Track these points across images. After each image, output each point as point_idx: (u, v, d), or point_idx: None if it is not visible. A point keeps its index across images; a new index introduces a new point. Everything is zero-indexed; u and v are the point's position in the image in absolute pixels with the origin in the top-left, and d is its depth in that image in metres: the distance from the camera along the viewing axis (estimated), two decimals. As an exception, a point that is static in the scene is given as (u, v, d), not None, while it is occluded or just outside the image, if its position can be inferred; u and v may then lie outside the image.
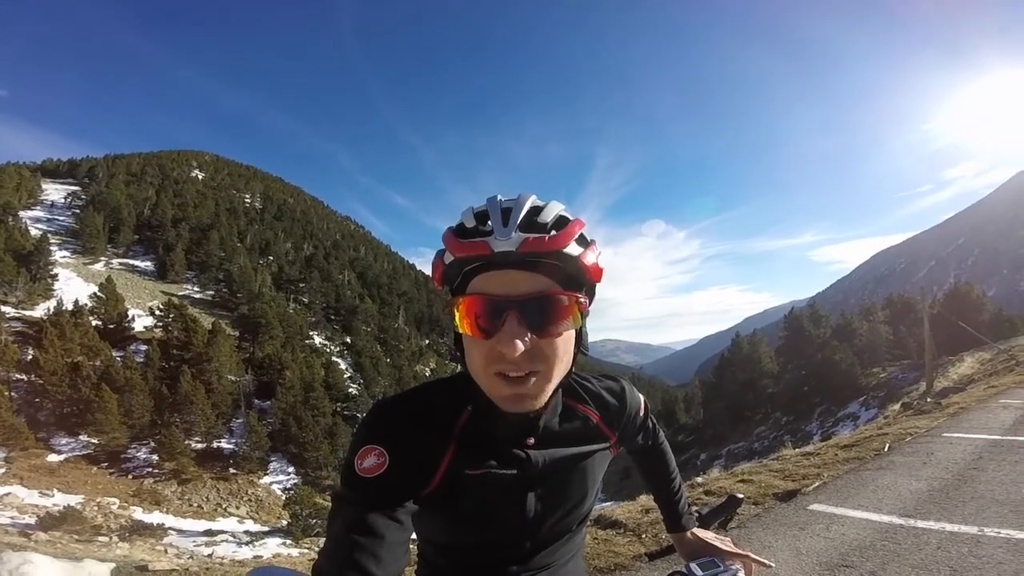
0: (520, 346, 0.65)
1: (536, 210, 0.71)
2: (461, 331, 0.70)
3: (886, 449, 6.20)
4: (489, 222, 0.69)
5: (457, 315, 0.69)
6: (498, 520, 0.80)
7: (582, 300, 0.71)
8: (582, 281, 0.73)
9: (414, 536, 0.78)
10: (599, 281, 0.75)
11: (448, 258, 0.70)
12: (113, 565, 7.52)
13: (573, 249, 0.70)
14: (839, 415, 31.08)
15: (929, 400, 12.47)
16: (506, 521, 0.81)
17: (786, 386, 40.77)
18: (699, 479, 6.62)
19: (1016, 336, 29.69)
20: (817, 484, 4.87)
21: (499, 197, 0.73)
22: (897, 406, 14.39)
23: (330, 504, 0.72)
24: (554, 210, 0.72)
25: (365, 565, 0.62)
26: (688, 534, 1.05)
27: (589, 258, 0.72)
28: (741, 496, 1.02)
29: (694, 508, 1.10)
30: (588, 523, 1.11)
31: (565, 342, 0.71)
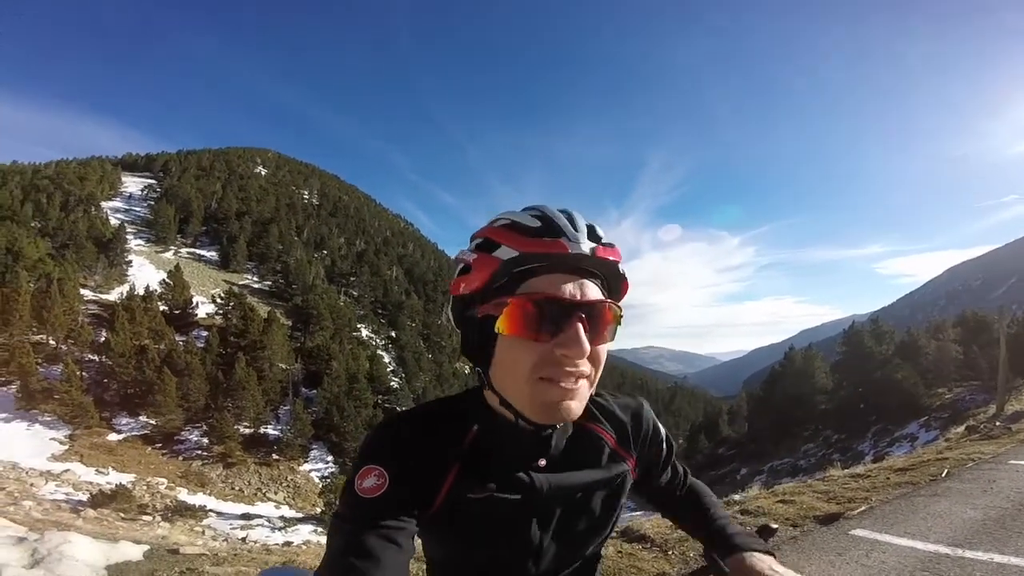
0: (588, 349, 0.66)
1: (592, 226, 0.74)
2: (508, 332, 0.67)
3: (943, 475, 5.80)
4: (557, 225, 0.70)
5: (506, 315, 0.67)
6: (501, 547, 0.77)
7: (622, 315, 0.74)
8: (618, 296, 0.77)
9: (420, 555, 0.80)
10: (623, 298, 0.79)
11: (507, 254, 0.69)
12: (147, 547, 8.00)
13: (623, 266, 0.75)
14: (896, 435, 29.04)
15: (998, 424, 11.51)
16: (510, 549, 0.78)
17: (840, 403, 38.49)
18: (736, 496, 6.37)
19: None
20: (863, 508, 4.61)
21: (550, 207, 0.75)
22: (961, 429, 13.36)
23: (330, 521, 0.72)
24: (602, 230, 0.75)
25: None
26: (749, 558, 0.82)
27: (627, 277, 0.77)
28: (775, 527, 0.94)
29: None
30: (613, 536, 1.07)
31: (606, 352, 0.73)
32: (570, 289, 0.68)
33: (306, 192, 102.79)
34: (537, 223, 0.71)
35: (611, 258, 0.72)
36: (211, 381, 34.30)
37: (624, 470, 0.86)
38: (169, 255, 61.29)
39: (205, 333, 40.78)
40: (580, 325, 0.66)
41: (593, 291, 0.70)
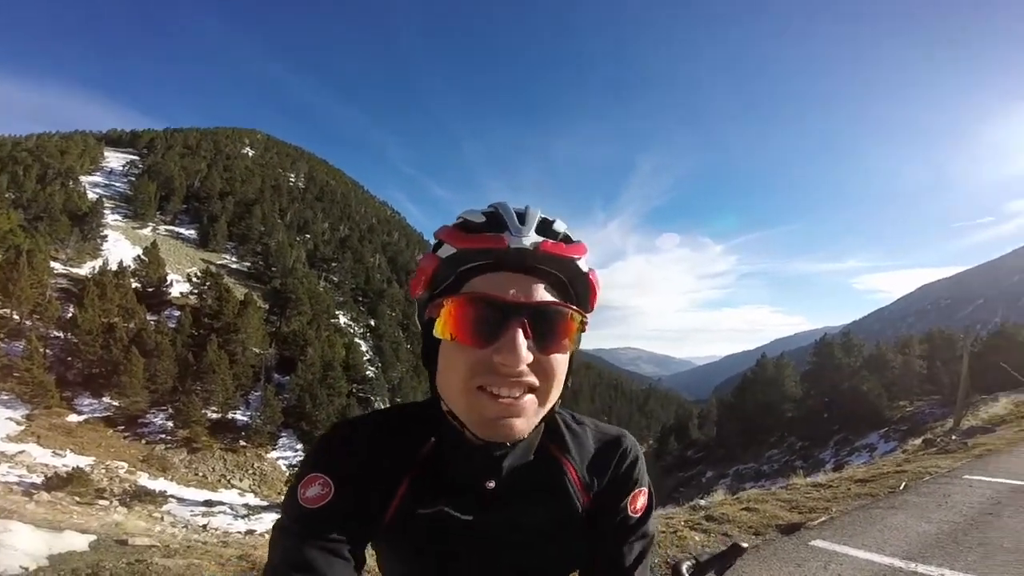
0: (527, 357, 0.59)
1: (548, 220, 0.67)
2: (443, 336, 0.62)
3: (902, 487, 5.98)
4: (503, 219, 0.65)
5: (442, 317, 0.62)
6: (451, 568, 0.71)
7: (586, 321, 0.66)
8: (585, 303, 0.69)
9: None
10: (593, 310, 0.71)
11: (447, 251, 0.64)
12: (94, 537, 7.72)
13: (584, 264, 0.67)
14: (856, 445, 30.11)
15: (954, 438, 11.93)
16: (458, 571, 0.72)
17: (806, 412, 39.65)
18: (702, 502, 6.47)
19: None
20: (824, 519, 4.72)
21: (507, 203, 0.69)
22: (919, 441, 13.85)
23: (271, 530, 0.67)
24: (563, 225, 0.68)
25: None
26: None
27: (594, 280, 0.69)
28: (745, 546, 0.92)
29: (692, 554, 0.95)
30: None
31: (565, 363, 0.66)
32: (513, 289, 0.62)
33: (293, 175, 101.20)
34: (483, 218, 0.66)
35: (562, 254, 0.64)
36: (180, 363, 33.47)
37: (579, 508, 0.74)
38: (146, 232, 59.55)
39: (178, 313, 39.79)
40: (519, 330, 0.59)
41: (543, 293, 0.63)
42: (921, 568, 3.40)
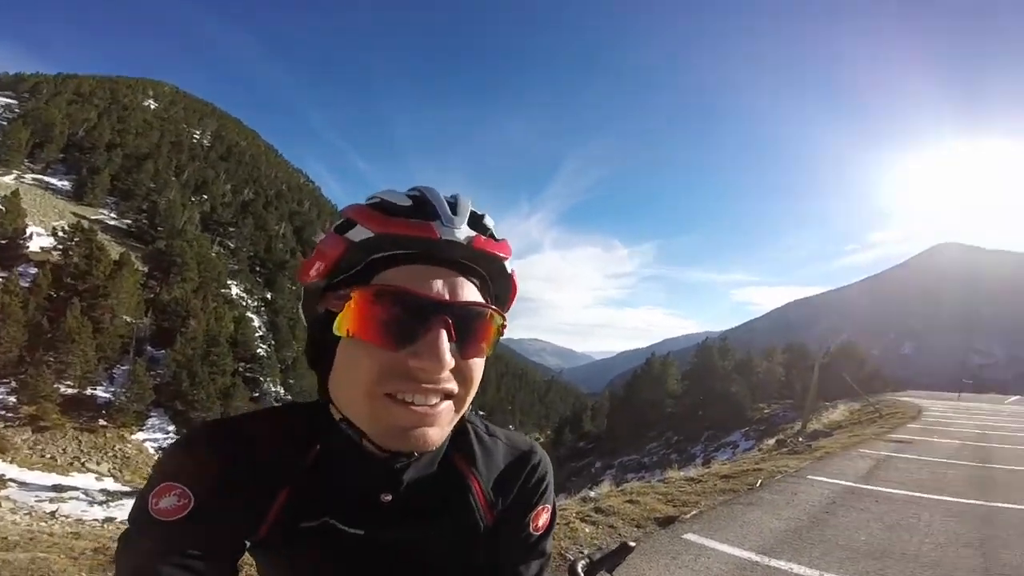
0: (451, 362, 0.53)
1: (478, 213, 0.61)
2: (344, 333, 0.54)
3: (758, 484, 6.65)
4: (432, 206, 0.57)
5: (346, 312, 0.54)
6: None
7: (506, 324, 0.61)
8: (504, 304, 0.65)
9: None
10: (509, 311, 0.67)
11: (360, 234, 0.56)
12: None
13: (508, 264, 0.63)
14: (722, 441, 33.83)
15: (801, 440, 13.76)
16: None
17: (684, 409, 43.81)
18: (592, 493, 6.89)
19: (884, 393, 33.62)
20: (694, 512, 5.22)
21: (434, 188, 0.62)
22: (773, 441, 15.80)
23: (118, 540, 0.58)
24: (491, 220, 0.62)
25: None
26: None
27: (516, 281, 0.65)
28: (633, 544, 0.98)
29: (585, 550, 0.98)
30: None
31: (482, 367, 0.60)
32: (438, 286, 0.55)
33: (198, 132, 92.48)
34: (408, 202, 0.58)
35: (495, 252, 0.59)
36: (32, 329, 28.83)
37: (482, 527, 0.69)
38: (9, 179, 50.64)
39: (35, 271, 34.16)
40: (443, 331, 0.53)
41: (470, 291, 0.57)
42: (773, 562, 3.86)
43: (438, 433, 0.57)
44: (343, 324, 0.54)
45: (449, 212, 0.57)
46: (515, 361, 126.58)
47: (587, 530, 4.64)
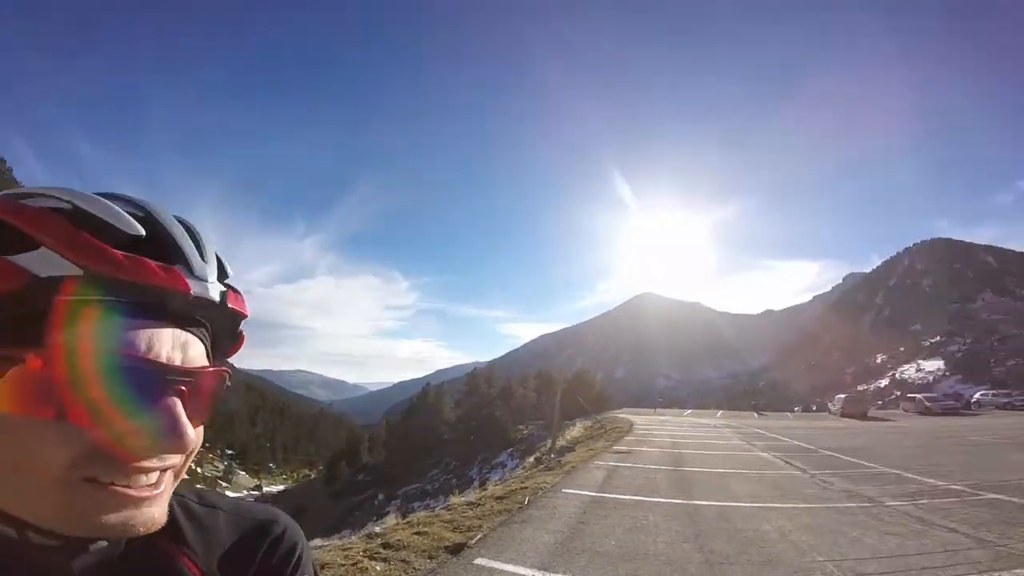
0: (194, 440, 0.43)
1: (219, 256, 0.49)
2: (11, 410, 0.37)
3: (526, 503, 7.17)
4: (174, 243, 0.44)
5: (13, 381, 0.37)
6: None
7: (230, 380, 0.50)
8: (224, 356, 0.53)
9: None
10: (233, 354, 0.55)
11: (52, 265, 0.37)
12: None
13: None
14: (494, 463, 36.54)
15: (553, 456, 15.79)
16: None
17: (459, 434, 46.00)
18: (377, 528, 6.72)
19: (607, 411, 41.46)
20: (479, 536, 5.52)
21: (164, 208, 0.46)
22: (532, 459, 17.84)
23: None
24: (225, 260, 0.50)
25: None
26: None
27: (243, 339, 0.53)
28: None
29: None
30: None
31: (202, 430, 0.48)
32: (167, 348, 0.42)
33: None
34: (137, 229, 0.42)
35: (244, 312, 0.49)
36: None
37: None
38: None
39: None
40: (179, 404, 0.41)
41: (198, 351, 0.46)
42: None
43: (161, 512, 0.43)
44: (7, 397, 0.37)
45: (199, 258, 0.45)
46: (275, 394, 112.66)
47: (379, 568, 4.54)
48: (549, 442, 22.53)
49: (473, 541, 5.42)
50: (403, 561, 4.72)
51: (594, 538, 5.44)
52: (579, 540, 5.35)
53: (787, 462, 11.83)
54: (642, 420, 29.37)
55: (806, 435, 20.34)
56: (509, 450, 37.64)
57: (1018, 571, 4.42)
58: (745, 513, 6.69)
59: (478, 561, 4.72)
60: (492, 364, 63.94)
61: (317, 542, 6.82)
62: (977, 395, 44.96)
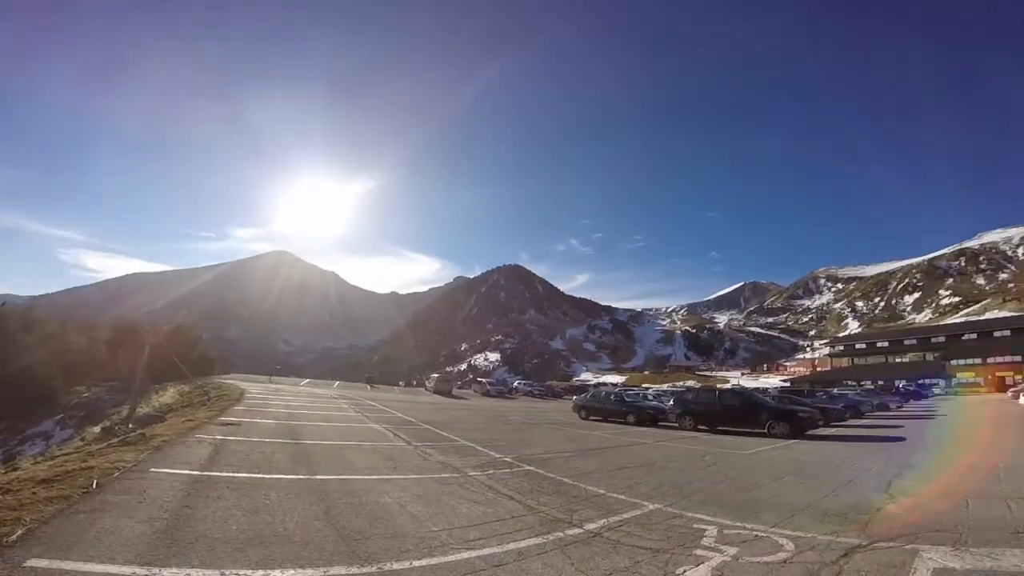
0: None
1: None
2: None
3: (95, 487, 5.86)
4: None
5: None
6: None
7: None
8: None
9: None
10: None
11: None
12: None
13: None
14: (28, 433, 26.73)
15: (132, 426, 12.98)
16: None
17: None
18: None
19: (212, 376, 36.39)
20: (21, 531, 4.23)
21: None
22: (98, 429, 14.10)
23: None
24: None
25: None
26: None
27: None
28: None
29: None
30: None
31: None
32: None
33: None
34: None
35: None
36: None
37: None
38: None
39: None
40: None
41: None
42: (166, 571, 3.62)
43: None
44: None
45: None
46: None
47: None
48: (126, 409, 18.54)
49: (14, 537, 4.13)
50: None
51: (209, 523, 4.80)
52: (190, 527, 4.66)
53: (395, 434, 13.29)
54: (256, 389, 27.65)
55: (408, 408, 23.78)
56: (58, 417, 28.15)
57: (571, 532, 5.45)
58: (367, 486, 6.93)
59: (31, 563, 3.63)
60: (38, 300, 45.96)
61: None
62: (516, 383, 63.73)
